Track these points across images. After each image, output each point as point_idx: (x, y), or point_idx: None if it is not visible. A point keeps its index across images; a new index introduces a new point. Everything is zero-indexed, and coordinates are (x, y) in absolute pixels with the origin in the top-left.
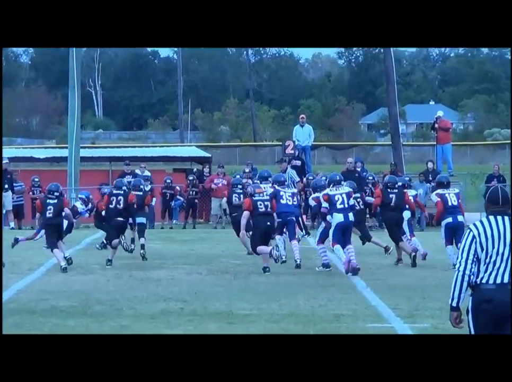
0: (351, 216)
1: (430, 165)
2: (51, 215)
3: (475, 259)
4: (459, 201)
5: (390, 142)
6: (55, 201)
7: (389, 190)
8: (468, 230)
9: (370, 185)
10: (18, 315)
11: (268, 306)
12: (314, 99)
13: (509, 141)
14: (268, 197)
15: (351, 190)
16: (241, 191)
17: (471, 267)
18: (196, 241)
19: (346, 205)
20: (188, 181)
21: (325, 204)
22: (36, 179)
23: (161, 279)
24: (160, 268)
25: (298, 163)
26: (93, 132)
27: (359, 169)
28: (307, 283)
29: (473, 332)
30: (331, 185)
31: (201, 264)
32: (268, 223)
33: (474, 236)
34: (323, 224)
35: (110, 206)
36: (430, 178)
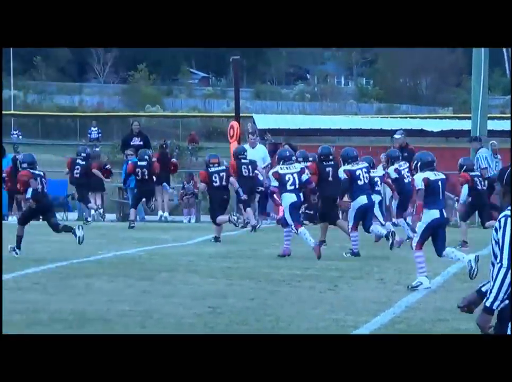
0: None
1: None
2: (77, 175)
3: None
4: None
5: None
6: (84, 163)
7: (324, 163)
8: None
9: None
10: None
11: None
12: None
13: None
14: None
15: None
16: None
17: None
18: None
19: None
20: None
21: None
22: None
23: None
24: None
25: None
26: (503, 97)
27: None
28: None
29: None
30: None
31: None
32: (225, 197)
33: None
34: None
35: None
36: None
